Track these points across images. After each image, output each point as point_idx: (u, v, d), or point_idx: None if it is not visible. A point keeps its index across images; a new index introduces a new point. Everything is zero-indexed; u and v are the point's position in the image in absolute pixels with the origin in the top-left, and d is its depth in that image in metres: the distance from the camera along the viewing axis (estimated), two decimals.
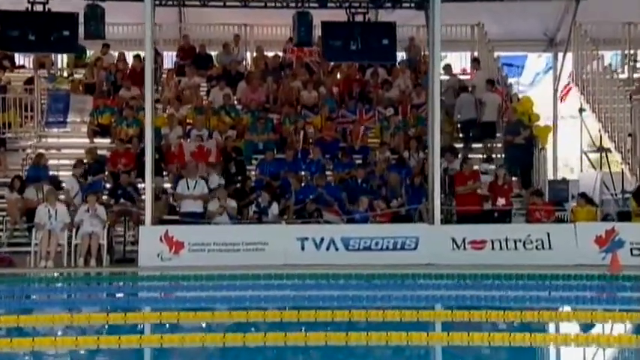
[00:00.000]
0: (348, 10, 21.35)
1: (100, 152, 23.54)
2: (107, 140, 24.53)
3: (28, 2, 20.04)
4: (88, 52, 27.35)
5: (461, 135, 25.34)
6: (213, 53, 27.64)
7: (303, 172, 22.94)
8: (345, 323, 12.56)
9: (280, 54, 27.44)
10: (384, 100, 25.52)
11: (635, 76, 27.23)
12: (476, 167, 22.63)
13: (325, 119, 24.80)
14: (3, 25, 19.89)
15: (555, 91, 28.93)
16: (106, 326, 13.02)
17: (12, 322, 12.77)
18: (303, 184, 22.32)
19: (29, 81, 26.00)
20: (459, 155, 23.40)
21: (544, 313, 13.12)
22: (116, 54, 26.97)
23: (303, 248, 20.11)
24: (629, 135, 23.69)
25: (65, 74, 27.29)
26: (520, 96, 26.36)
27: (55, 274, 19.34)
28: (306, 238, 20.12)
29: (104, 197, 21.63)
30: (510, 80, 27.39)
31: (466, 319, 12.84)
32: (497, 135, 24.81)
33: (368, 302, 14.74)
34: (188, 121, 24.64)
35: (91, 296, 17.12)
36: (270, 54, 27.57)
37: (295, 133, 24.20)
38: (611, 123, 24.56)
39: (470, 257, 19.75)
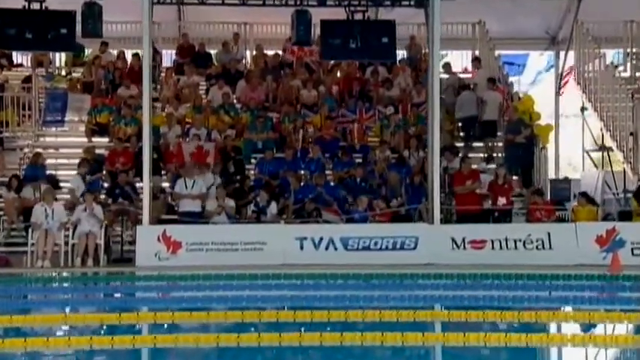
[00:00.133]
0: (347, 9, 21.21)
1: (98, 151, 23.44)
2: (105, 139, 24.46)
3: (25, 0, 19.91)
4: (86, 50, 27.31)
5: (461, 134, 25.17)
6: (213, 52, 27.54)
7: (302, 172, 22.82)
8: (341, 323, 12.42)
9: (280, 53, 27.29)
10: (385, 98, 25.38)
11: (638, 74, 27.02)
12: (474, 166, 22.49)
13: (325, 118, 24.65)
14: (0, 24, 19.73)
15: (557, 90, 28.77)
16: (103, 326, 12.92)
17: (7, 322, 12.65)
18: (302, 184, 22.20)
19: (27, 79, 25.91)
20: (459, 154, 23.25)
21: (542, 313, 12.97)
22: (115, 52, 26.87)
23: (301, 248, 20.00)
24: (631, 134, 23.51)
25: (63, 73, 27.20)
26: (521, 95, 26.17)
27: (52, 274, 19.17)
28: (305, 238, 20.01)
29: (102, 196, 21.52)
30: (511, 79, 27.19)
31: (463, 319, 12.72)
32: (499, 134, 24.65)
33: (365, 302, 14.62)
34: (187, 120, 24.54)
35: (88, 296, 17.01)
36: (270, 52, 27.46)
37: (295, 132, 24.07)
38: (613, 122, 24.39)
39: (470, 257, 19.64)
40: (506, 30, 28.05)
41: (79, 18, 20.39)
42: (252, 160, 23.68)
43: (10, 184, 21.39)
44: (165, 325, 12.96)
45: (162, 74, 26.73)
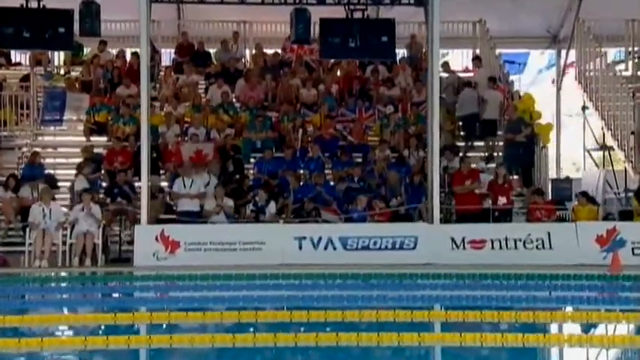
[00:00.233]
0: (346, 7, 21.09)
1: (96, 151, 23.34)
2: (104, 138, 24.35)
3: None
4: (85, 49, 27.24)
5: (462, 133, 25.04)
6: (212, 50, 27.46)
7: (301, 171, 22.75)
8: (337, 324, 12.33)
9: (279, 52, 27.18)
10: (384, 97, 25.28)
11: (639, 73, 26.90)
12: (474, 165, 22.39)
13: (324, 117, 24.55)
14: None
15: (558, 89, 28.67)
16: (98, 326, 12.90)
17: (2, 322, 12.54)
18: (301, 183, 22.11)
19: (25, 78, 25.87)
20: (460, 154, 23.15)
21: (540, 314, 12.90)
22: (113, 51, 26.80)
23: (300, 248, 19.91)
24: (632, 133, 23.45)
25: (62, 72, 27.10)
26: (521, 93, 26.06)
27: (50, 274, 19.07)
28: (304, 238, 19.92)
29: (100, 196, 21.45)
30: (512, 77, 27.09)
31: (460, 319, 12.63)
32: (499, 133, 24.53)
33: (363, 302, 14.54)
34: (186, 119, 24.42)
35: (86, 296, 16.91)
36: (270, 51, 27.36)
37: (294, 132, 23.96)
38: (614, 121, 24.30)
39: (469, 257, 19.54)
40: (507, 28, 27.96)
41: (77, 17, 20.26)
42: (252, 160, 23.57)
43: (8, 184, 21.32)
44: (163, 326, 12.88)
45: (162, 73, 26.64)
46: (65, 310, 15.51)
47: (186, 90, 25.42)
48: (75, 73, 26.60)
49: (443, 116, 23.11)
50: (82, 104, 24.85)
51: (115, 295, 17.65)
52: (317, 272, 17.92)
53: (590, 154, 27.29)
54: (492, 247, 19.76)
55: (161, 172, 22.73)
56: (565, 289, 16.44)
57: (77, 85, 25.66)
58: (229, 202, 20.98)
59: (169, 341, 11.39)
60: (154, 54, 25.84)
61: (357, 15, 21.02)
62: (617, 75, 25.16)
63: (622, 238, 19.49)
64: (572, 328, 12.88)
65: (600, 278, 17.29)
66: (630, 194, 22.73)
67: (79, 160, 22.97)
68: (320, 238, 19.90)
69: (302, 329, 11.92)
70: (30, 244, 19.64)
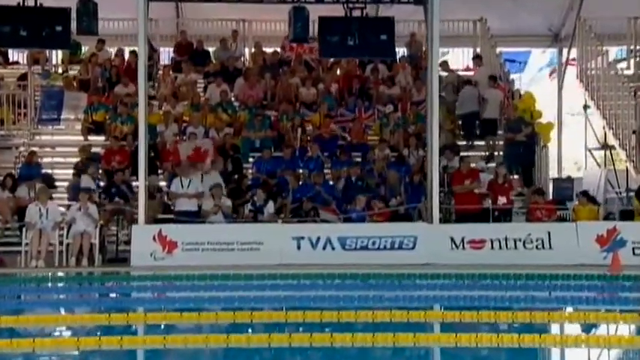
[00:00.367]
0: (345, 5, 20.96)
1: (94, 150, 23.27)
2: (101, 138, 24.24)
3: None
4: (83, 48, 27.14)
5: (462, 132, 24.90)
6: (211, 49, 27.35)
7: (300, 170, 22.63)
8: (333, 324, 12.24)
9: (279, 50, 27.07)
10: (384, 96, 25.15)
11: None
12: (473, 165, 22.27)
13: (324, 117, 24.42)
14: None
15: (560, 87, 28.54)
16: (93, 327, 12.77)
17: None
18: (300, 183, 22.00)
19: (22, 77, 25.82)
20: (460, 153, 23.03)
21: (537, 314, 12.77)
22: (112, 50, 26.73)
23: (299, 248, 19.82)
24: (634, 132, 23.31)
25: (60, 70, 26.99)
26: (522, 92, 25.93)
27: (46, 274, 18.91)
28: (302, 238, 19.82)
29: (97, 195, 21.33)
30: (512, 76, 26.95)
31: (457, 319, 12.54)
32: (499, 132, 24.41)
33: (360, 303, 14.42)
34: (184, 118, 24.31)
35: (83, 296, 16.77)
36: (269, 50, 27.25)
37: (293, 131, 23.83)
38: (616, 120, 24.16)
39: (469, 257, 19.44)
40: (508, 27, 27.83)
41: (74, 15, 20.18)
42: (250, 159, 23.47)
43: (5, 183, 21.19)
44: (157, 326, 12.80)
45: (160, 72, 26.54)
46: (61, 311, 15.36)
47: (185, 89, 25.31)
48: (73, 72, 26.50)
49: (443, 115, 23.02)
50: (79, 103, 24.78)
51: (111, 295, 17.52)
52: (315, 272, 17.81)
53: (591, 154, 27.13)
54: (492, 247, 19.66)
55: (159, 171, 22.58)
56: (564, 289, 16.32)
57: (75, 84, 25.58)
58: (227, 202, 20.87)
59: (163, 342, 11.28)
60: (153, 53, 25.82)
61: (356, 13, 20.89)
62: (619, 74, 25.01)
63: (622, 238, 19.37)
64: (570, 329, 12.77)
65: (600, 278, 17.18)
66: (632, 194, 22.56)
67: (76, 159, 22.89)
68: (318, 238, 19.79)
69: (301, 329, 11.84)
70: (26, 244, 19.54)
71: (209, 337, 11.45)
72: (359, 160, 23.34)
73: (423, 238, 19.77)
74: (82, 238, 19.58)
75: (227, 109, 24.60)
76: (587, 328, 12.53)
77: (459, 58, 29.40)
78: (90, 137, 24.28)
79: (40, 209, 19.79)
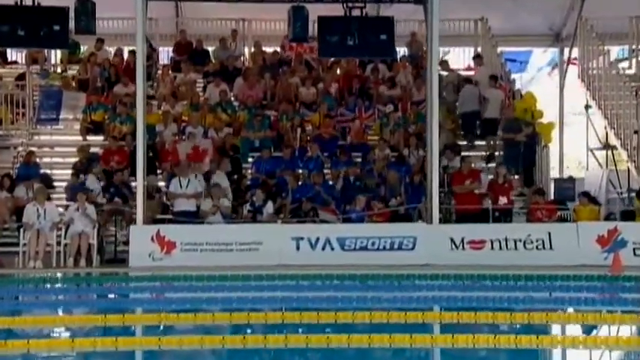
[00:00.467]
0: (344, 5, 20.86)
1: (92, 150, 23.18)
2: (100, 138, 24.13)
3: None
4: (82, 47, 27.05)
5: (462, 132, 24.78)
6: (211, 49, 27.26)
7: (300, 170, 22.54)
8: (330, 325, 12.19)
9: (279, 50, 26.99)
10: (384, 96, 25.05)
11: None
12: (473, 165, 22.17)
13: (324, 116, 24.32)
14: None
15: (561, 87, 28.44)
16: (88, 327, 12.75)
17: None
18: (300, 183, 21.91)
19: (21, 77, 25.73)
20: (461, 153, 22.94)
21: (534, 315, 12.67)
22: (111, 49, 26.65)
23: (298, 248, 19.74)
24: (636, 132, 23.15)
25: (59, 70, 26.89)
26: (523, 92, 25.85)
27: (44, 275, 18.81)
28: (302, 238, 19.74)
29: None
30: (513, 76, 26.86)
31: (454, 320, 12.48)
32: (499, 132, 24.26)
33: (357, 303, 14.41)
34: (183, 118, 24.22)
35: (81, 297, 16.76)
36: (269, 49, 27.17)
37: (292, 131, 23.72)
38: (617, 119, 24.03)
39: (469, 257, 19.35)
40: (509, 27, 27.71)
41: (73, 15, 20.09)
42: (250, 159, 23.37)
43: (3, 184, 21.10)
44: (153, 327, 12.73)
45: (159, 71, 26.44)
46: (59, 312, 15.31)
47: (184, 88, 25.22)
48: (72, 71, 26.41)
49: (443, 115, 22.92)
50: (78, 103, 24.69)
51: (108, 296, 17.40)
52: (313, 273, 17.74)
53: (593, 154, 27.00)
54: (492, 248, 19.58)
55: (158, 171, 22.49)
56: (564, 289, 16.22)
57: (74, 84, 25.50)
58: (226, 202, 20.79)
59: (158, 343, 11.22)
60: (152, 52, 25.71)
61: (356, 13, 20.80)
62: (621, 73, 24.86)
63: (623, 238, 19.28)
64: (569, 330, 12.68)
65: (600, 279, 17.08)
66: (633, 194, 22.46)
67: (75, 159, 22.78)
68: (318, 239, 19.72)
69: (300, 331, 11.80)
70: (24, 244, 19.46)
71: (204, 338, 11.34)
72: (359, 160, 23.23)
73: (423, 238, 19.68)
74: (80, 239, 19.50)
75: (226, 108, 24.50)
76: (586, 329, 12.43)
77: (460, 58, 29.28)
78: (89, 137, 24.17)
79: (37, 209, 19.73)
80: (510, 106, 24.05)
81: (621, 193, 23.72)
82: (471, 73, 26.34)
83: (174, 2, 26.66)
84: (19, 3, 19.70)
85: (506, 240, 19.55)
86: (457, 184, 21.28)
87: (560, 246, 19.49)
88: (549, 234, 19.57)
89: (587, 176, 26.47)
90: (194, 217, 20.67)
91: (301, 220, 20.62)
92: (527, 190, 22.15)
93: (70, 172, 22.32)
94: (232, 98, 25.26)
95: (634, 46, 27.27)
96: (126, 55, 26.14)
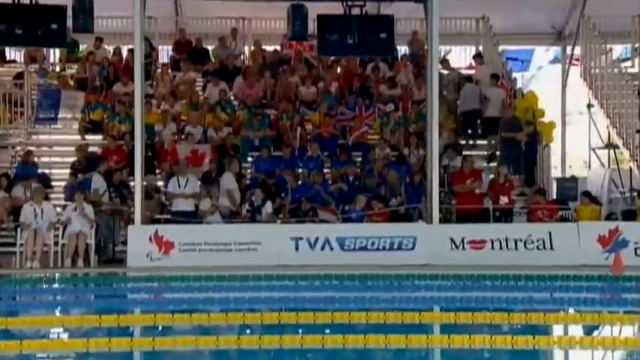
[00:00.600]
0: (344, 3, 20.72)
1: (91, 149, 23.06)
2: (99, 137, 24.02)
3: None
4: (81, 46, 26.95)
5: (463, 131, 24.64)
6: (210, 47, 27.14)
7: (300, 170, 22.44)
8: (326, 325, 12.12)
9: (279, 48, 26.89)
10: (385, 95, 24.92)
11: None
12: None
13: (324, 116, 24.20)
14: None
15: (564, 86, 28.31)
16: (84, 328, 12.65)
17: None
18: (299, 182, 21.80)
19: (19, 76, 25.62)
20: (462, 152, 22.80)
21: (532, 315, 12.60)
22: (110, 48, 26.56)
23: (297, 248, 19.60)
24: (638, 131, 23.02)
25: (58, 69, 26.80)
26: (525, 91, 25.73)
27: (42, 275, 18.73)
28: (301, 238, 19.60)
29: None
30: (515, 74, 26.71)
31: (452, 321, 12.44)
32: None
33: (356, 304, 14.42)
34: (182, 117, 24.11)
35: (79, 297, 16.76)
36: (269, 48, 27.09)
37: (292, 130, 23.59)
38: (620, 119, 23.89)
39: (469, 258, 19.21)
40: (511, 25, 27.57)
41: (71, 13, 19.99)
42: (249, 159, 23.25)
43: (0, 183, 20.98)
44: (149, 328, 12.71)
45: (159, 70, 26.29)
46: (56, 312, 15.31)
47: (184, 87, 25.11)
48: (71, 70, 26.32)
49: (444, 114, 22.78)
50: (77, 102, 24.59)
51: (105, 297, 17.26)
52: (312, 273, 17.66)
53: (595, 153, 26.86)
54: (492, 248, 19.44)
55: (157, 171, 22.37)
56: (564, 290, 16.10)
57: (72, 83, 25.42)
58: (225, 202, 20.66)
59: (152, 344, 11.18)
60: (151, 51, 25.58)
61: (356, 11, 20.67)
62: (623, 72, 24.72)
63: (625, 238, 19.14)
64: (567, 330, 12.68)
65: (601, 279, 16.96)
66: (635, 194, 22.32)
67: (73, 159, 22.70)
68: (317, 239, 19.58)
69: (303, 331, 11.70)
70: (21, 244, 19.35)
71: (199, 338, 11.35)
72: (359, 159, 23.12)
73: (423, 238, 19.55)
74: (78, 239, 19.38)
75: (226, 108, 24.38)
76: (585, 329, 12.39)
77: (461, 57, 29.15)
78: (87, 137, 24.06)
79: (34, 209, 19.59)
80: (510, 106, 23.89)
81: (623, 193, 23.53)
82: (473, 71, 26.21)
83: (174, 1, 26.54)
84: (16, 1, 19.53)
85: (506, 240, 19.41)
86: (458, 184, 21.15)
87: (560, 246, 19.34)
88: (550, 234, 19.42)
89: (589, 176, 26.30)
90: (192, 217, 20.56)
91: (300, 220, 20.48)
92: (528, 189, 22.00)
93: (68, 171, 22.19)
94: (232, 97, 25.14)
95: (636, 45, 27.14)
96: (125, 54, 25.98)
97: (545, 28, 28.34)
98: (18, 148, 23.96)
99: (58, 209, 20.53)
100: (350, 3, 20.60)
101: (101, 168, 21.52)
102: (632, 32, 27.06)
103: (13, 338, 11.25)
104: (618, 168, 24.43)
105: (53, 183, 22.61)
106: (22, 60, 26.66)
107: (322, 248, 19.57)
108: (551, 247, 19.37)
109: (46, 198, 20.58)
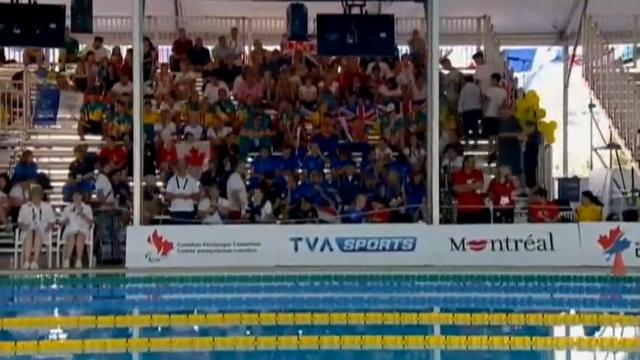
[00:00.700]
0: (344, 3, 20.65)
1: (90, 149, 22.99)
2: (98, 137, 23.94)
3: None
4: (80, 46, 26.87)
5: (463, 130, 24.54)
6: (210, 47, 27.06)
7: (300, 170, 22.37)
8: (324, 326, 12.12)
9: (279, 48, 26.81)
10: (385, 96, 24.83)
11: None
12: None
13: (324, 115, 24.11)
14: None
15: (565, 85, 28.21)
16: (81, 329, 12.64)
17: None
18: (299, 183, 21.72)
19: (18, 76, 25.57)
20: (463, 153, 22.71)
21: (531, 316, 12.55)
22: (109, 48, 26.48)
23: (296, 249, 19.53)
24: (639, 131, 22.89)
25: (57, 69, 26.72)
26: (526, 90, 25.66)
27: (40, 276, 18.62)
28: (300, 239, 19.53)
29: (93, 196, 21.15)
30: (516, 74, 26.64)
31: (450, 322, 12.38)
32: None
33: (354, 305, 14.41)
34: (182, 117, 24.02)
35: (77, 298, 16.67)
36: (269, 48, 27.01)
37: (292, 130, 23.50)
38: (622, 119, 23.78)
39: (469, 258, 19.14)
40: (513, 25, 27.50)
41: (69, 13, 19.93)
42: (249, 159, 23.17)
43: None
44: (145, 329, 12.67)
45: (158, 70, 26.20)
46: (54, 313, 15.27)
47: (183, 87, 25.04)
48: (70, 70, 26.25)
49: (445, 114, 22.68)
50: (76, 102, 24.47)
51: (103, 298, 17.21)
52: (311, 274, 17.57)
53: (597, 153, 26.75)
54: (493, 249, 19.36)
55: (156, 171, 22.30)
56: (564, 290, 16.04)
57: (72, 83, 25.35)
58: (224, 203, 20.62)
59: (147, 345, 11.13)
60: (151, 51, 25.50)
61: (356, 11, 20.59)
62: (625, 72, 24.61)
63: (626, 239, 19.04)
64: (566, 331, 12.60)
65: (601, 280, 16.81)
66: (637, 194, 22.21)
67: (72, 159, 22.63)
68: (316, 239, 19.51)
69: (300, 332, 11.71)
70: (19, 245, 19.30)
71: (194, 340, 11.34)
72: (359, 159, 23.04)
73: (423, 239, 19.46)
74: (76, 239, 19.34)
75: (225, 108, 24.30)
76: (585, 330, 12.34)
77: (463, 56, 29.07)
78: (86, 137, 23.98)
79: (33, 210, 19.53)
80: (510, 106, 23.80)
81: (625, 193, 23.43)
82: (473, 71, 26.11)
83: (174, 0, 26.49)
84: (15, 1, 19.49)
85: (507, 240, 19.33)
86: (459, 184, 21.09)
87: (561, 247, 19.26)
88: (550, 234, 19.34)
89: (591, 176, 26.24)
90: (191, 217, 20.49)
91: (300, 220, 20.40)
92: (529, 190, 21.91)
93: (67, 172, 22.11)
94: (232, 97, 25.07)
95: (638, 45, 27.05)
96: (124, 54, 25.88)
97: (547, 27, 28.26)
98: (17, 148, 23.91)
99: (57, 210, 20.44)
100: (350, 2, 20.54)
101: (106, 168, 21.50)
102: (634, 32, 27.00)
103: (11, 339, 11.19)
104: (620, 168, 24.33)
105: (52, 183, 22.53)
106: (21, 60, 26.66)
107: (322, 249, 19.49)
108: (552, 248, 19.28)
109: (45, 198, 20.51)
